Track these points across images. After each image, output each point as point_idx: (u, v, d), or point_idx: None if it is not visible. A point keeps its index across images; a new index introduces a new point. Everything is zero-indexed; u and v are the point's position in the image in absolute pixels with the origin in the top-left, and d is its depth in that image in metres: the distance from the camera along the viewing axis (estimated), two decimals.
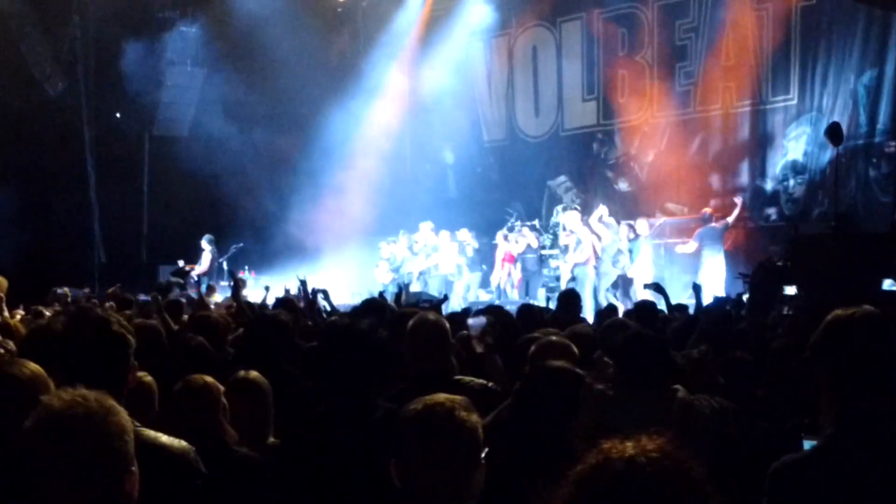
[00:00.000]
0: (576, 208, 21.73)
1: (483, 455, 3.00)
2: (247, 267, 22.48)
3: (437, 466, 2.91)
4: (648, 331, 5.08)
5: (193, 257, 22.80)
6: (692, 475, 2.01)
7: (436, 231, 22.60)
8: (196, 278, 22.39)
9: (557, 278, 20.67)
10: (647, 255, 19.84)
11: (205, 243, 22.79)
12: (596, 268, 19.64)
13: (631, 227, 20.25)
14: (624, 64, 23.25)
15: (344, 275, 21.79)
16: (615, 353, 5.03)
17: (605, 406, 4.54)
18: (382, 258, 22.85)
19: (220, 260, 22.90)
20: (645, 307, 10.37)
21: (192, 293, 15.69)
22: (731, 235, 20.01)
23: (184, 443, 3.80)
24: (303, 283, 11.47)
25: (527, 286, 21.08)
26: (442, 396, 3.06)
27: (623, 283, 19.71)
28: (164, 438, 3.75)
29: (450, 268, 21.94)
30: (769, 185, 20.68)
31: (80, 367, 3.44)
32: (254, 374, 5.21)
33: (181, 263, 22.11)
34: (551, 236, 21.86)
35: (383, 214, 23.68)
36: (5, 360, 4.77)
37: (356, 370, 4.61)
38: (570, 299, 10.31)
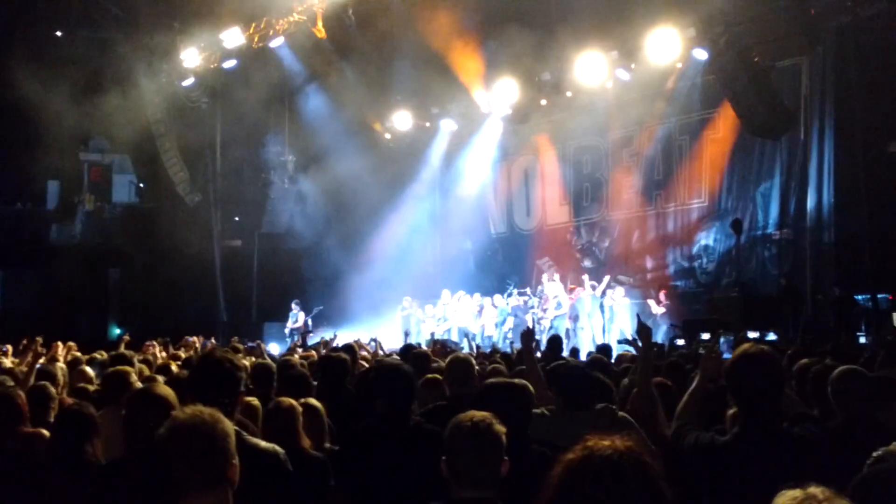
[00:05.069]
0: (554, 279, 21.78)
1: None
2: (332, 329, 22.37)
3: (480, 460, 2.96)
4: (575, 361, 5.07)
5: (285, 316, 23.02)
6: (650, 469, 2.03)
7: (468, 294, 22.63)
8: (289, 331, 22.48)
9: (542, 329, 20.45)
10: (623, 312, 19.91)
11: (295, 306, 22.87)
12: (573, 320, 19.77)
13: (605, 291, 20.23)
14: (587, 179, 23.39)
15: (394, 327, 21.77)
16: (555, 383, 5.03)
17: (545, 425, 4.53)
18: (428, 315, 22.74)
19: (307, 318, 22.96)
20: (603, 349, 10.45)
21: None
22: (665, 298, 19.96)
23: (276, 446, 3.82)
24: (373, 340, 11.83)
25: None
26: (480, 413, 3.09)
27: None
28: (262, 443, 3.77)
29: (467, 321, 21.88)
30: (687, 263, 20.74)
31: (206, 389, 3.50)
32: (312, 399, 5.21)
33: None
34: (538, 299, 21.75)
35: (422, 285, 23.69)
36: (153, 384, 4.84)
37: (395, 392, 4.60)
38: (555, 343, 10.33)
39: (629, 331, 19.38)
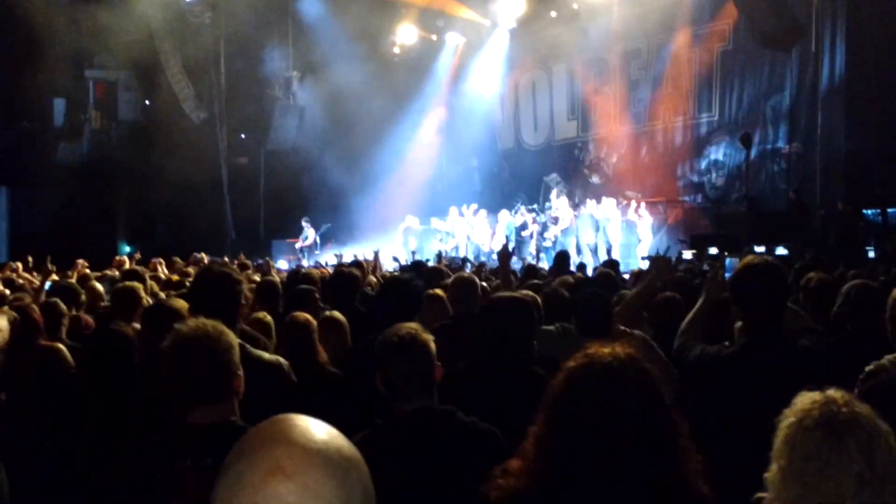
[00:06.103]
0: (563, 195, 21.73)
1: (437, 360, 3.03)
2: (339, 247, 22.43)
3: (412, 373, 2.94)
4: (600, 291, 4.93)
5: (296, 233, 22.98)
6: (650, 376, 2.03)
7: (474, 212, 22.36)
8: (300, 248, 22.52)
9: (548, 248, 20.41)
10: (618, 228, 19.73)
11: (305, 223, 22.82)
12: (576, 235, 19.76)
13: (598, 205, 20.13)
14: (595, 93, 23.14)
15: (398, 243, 21.80)
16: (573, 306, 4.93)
17: (552, 343, 4.51)
18: (438, 230, 22.66)
19: (316, 235, 22.96)
20: (610, 264, 10.41)
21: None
22: (673, 213, 19.97)
23: (280, 358, 3.83)
24: (376, 253, 11.61)
25: (520, 249, 20.67)
26: (406, 326, 3.04)
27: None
28: (266, 355, 3.78)
29: (482, 239, 21.80)
30: (697, 178, 20.63)
31: (206, 302, 3.51)
32: (336, 313, 5.18)
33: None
34: (544, 215, 21.70)
35: (427, 202, 23.65)
36: (166, 298, 4.95)
37: (396, 306, 4.58)
38: (562, 258, 10.21)
39: (617, 242, 19.35)
